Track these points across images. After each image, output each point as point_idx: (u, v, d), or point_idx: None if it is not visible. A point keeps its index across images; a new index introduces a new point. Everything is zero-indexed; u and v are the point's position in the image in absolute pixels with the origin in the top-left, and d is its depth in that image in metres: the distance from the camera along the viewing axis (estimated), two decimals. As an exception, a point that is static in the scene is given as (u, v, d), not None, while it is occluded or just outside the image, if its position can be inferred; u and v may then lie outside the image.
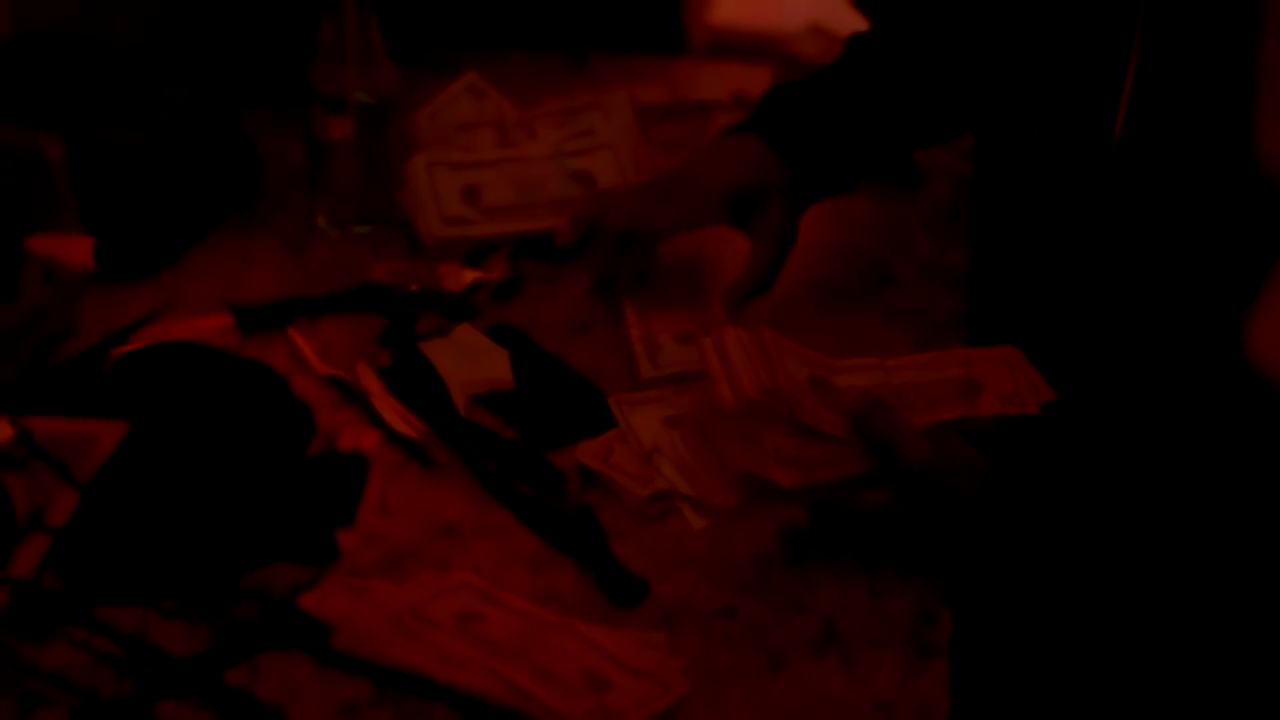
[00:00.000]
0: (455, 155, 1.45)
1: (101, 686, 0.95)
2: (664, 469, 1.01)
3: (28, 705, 0.94)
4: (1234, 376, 1.04)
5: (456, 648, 0.96)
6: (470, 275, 1.38)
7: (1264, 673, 0.97)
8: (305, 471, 1.14)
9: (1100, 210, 1.16)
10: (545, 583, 1.08)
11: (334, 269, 1.44)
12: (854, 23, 1.76)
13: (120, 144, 1.38)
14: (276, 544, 1.07)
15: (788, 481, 0.97)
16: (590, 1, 1.97)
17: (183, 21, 1.70)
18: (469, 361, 1.26)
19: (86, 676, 0.96)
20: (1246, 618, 0.97)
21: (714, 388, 0.98)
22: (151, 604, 1.01)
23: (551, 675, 0.95)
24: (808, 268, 1.40)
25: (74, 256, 1.35)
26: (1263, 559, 0.96)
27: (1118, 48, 1.12)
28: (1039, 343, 1.19)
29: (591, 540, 1.10)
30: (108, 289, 1.38)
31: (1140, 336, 1.16)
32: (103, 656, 0.97)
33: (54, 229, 1.36)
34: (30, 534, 1.02)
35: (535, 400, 1.24)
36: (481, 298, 1.38)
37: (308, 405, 1.21)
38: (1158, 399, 1.14)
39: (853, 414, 1.00)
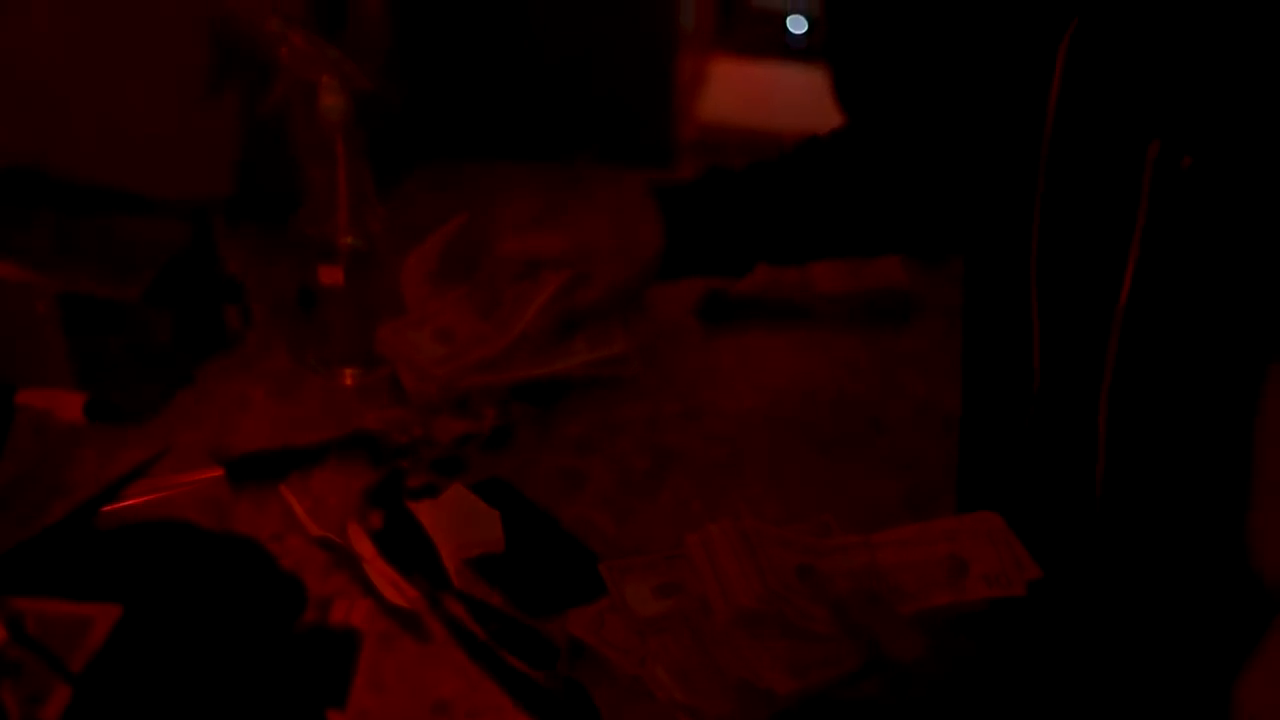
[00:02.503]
0: (415, 314, 1.43)
1: None
2: (658, 674, 1.01)
3: None
4: (1225, 556, 1.05)
5: None
6: (460, 425, 1.38)
7: None
8: (296, 651, 1.14)
9: (1098, 356, 1.16)
10: (537, 766, 1.08)
11: (325, 414, 1.44)
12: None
13: (113, 300, 1.38)
14: (269, 728, 1.07)
15: (784, 688, 0.97)
16: (579, 112, 1.98)
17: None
18: (460, 524, 1.26)
19: None
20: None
21: (705, 592, 0.98)
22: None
23: None
24: (797, 414, 1.40)
25: (65, 411, 1.35)
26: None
27: (1123, 214, 1.11)
28: (1029, 501, 1.20)
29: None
30: (99, 438, 1.38)
31: (1132, 506, 1.16)
32: None
33: (44, 383, 1.36)
34: (23, 733, 1.02)
35: (526, 565, 1.24)
36: (472, 448, 1.38)
37: (298, 578, 1.21)
38: (1147, 571, 1.14)
39: (843, 612, 1.00)
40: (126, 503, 1.29)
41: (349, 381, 1.48)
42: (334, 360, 1.48)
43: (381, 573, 1.22)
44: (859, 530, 1.11)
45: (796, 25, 3.06)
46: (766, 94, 2.74)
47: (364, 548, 1.25)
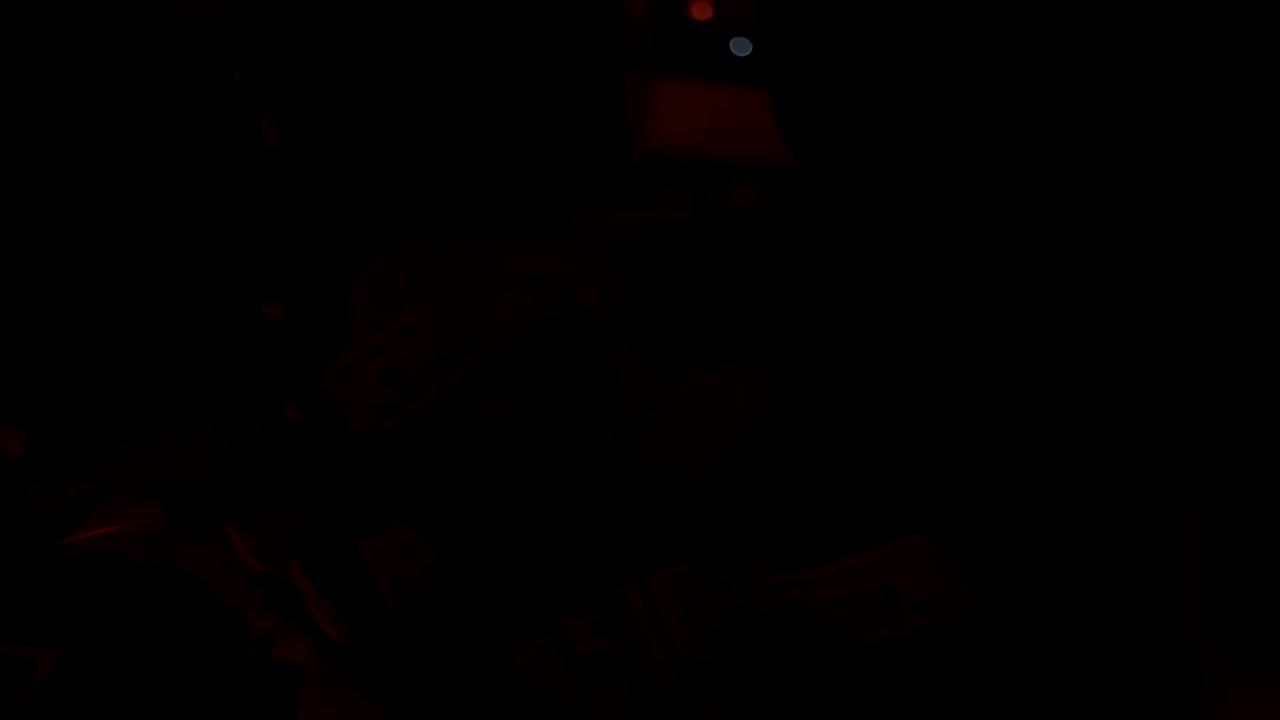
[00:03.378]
0: (363, 347, 1.45)
1: None
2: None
3: None
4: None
5: None
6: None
7: None
8: (237, 689, 1.15)
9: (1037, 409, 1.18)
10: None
11: (269, 449, 1.44)
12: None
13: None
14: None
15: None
16: (525, 145, 1.98)
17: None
18: (400, 560, 1.27)
19: None
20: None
21: (646, 642, 1.00)
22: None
23: None
24: (738, 448, 1.41)
25: (6, 448, 1.35)
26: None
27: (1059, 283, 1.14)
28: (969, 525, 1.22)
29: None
30: (42, 474, 1.37)
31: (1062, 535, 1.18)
32: None
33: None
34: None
35: (466, 602, 1.25)
36: (420, 483, 1.38)
37: (240, 616, 1.22)
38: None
39: (778, 655, 1.01)
40: (67, 540, 1.29)
41: (292, 415, 1.49)
42: (279, 394, 1.49)
43: (321, 610, 1.23)
44: (798, 565, 1.13)
45: (740, 47, 3.08)
46: (713, 116, 2.75)
47: (304, 584, 1.25)
